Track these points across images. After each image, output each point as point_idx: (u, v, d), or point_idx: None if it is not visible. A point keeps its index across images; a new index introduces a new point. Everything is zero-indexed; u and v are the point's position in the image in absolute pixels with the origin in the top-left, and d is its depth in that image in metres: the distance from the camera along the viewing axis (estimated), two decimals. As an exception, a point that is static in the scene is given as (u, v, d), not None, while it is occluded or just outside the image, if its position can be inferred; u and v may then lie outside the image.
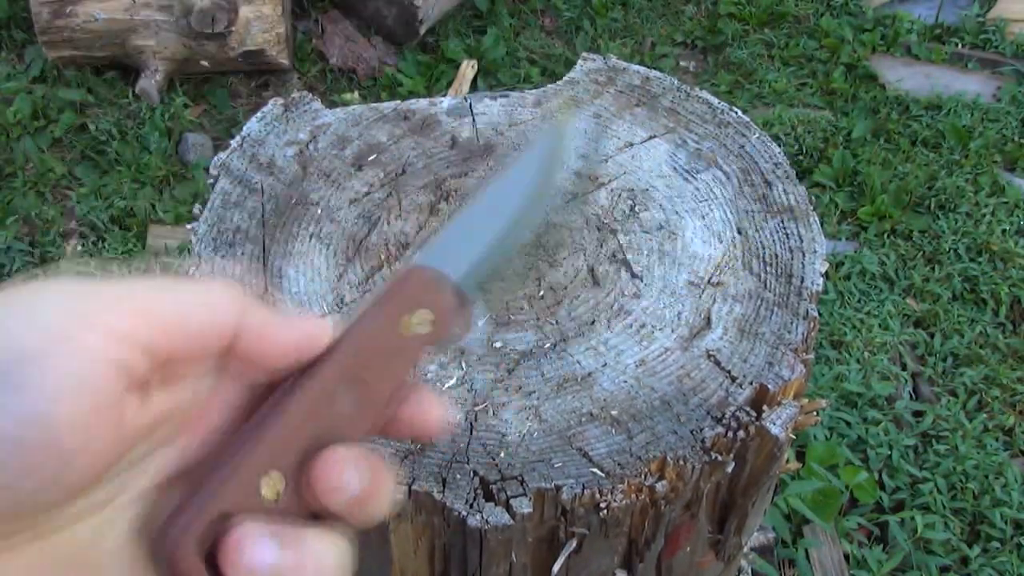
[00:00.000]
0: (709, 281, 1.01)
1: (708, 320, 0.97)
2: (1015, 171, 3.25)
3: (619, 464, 0.84)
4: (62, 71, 3.24)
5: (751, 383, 0.91)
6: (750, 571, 1.75)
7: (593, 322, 0.97)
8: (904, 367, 2.55)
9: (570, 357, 0.94)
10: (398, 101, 1.24)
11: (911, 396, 2.48)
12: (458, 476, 0.83)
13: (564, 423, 0.88)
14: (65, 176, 3.00)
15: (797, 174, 1.13)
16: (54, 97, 3.15)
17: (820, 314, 1.59)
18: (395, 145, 1.17)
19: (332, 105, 1.26)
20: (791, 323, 0.97)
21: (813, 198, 3.07)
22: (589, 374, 0.92)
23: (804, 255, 1.03)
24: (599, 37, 3.84)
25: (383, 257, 1.03)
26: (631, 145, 1.17)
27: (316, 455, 0.46)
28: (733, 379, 0.92)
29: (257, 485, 0.45)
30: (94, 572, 0.42)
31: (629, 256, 1.03)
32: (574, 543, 0.87)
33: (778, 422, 0.89)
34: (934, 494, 2.16)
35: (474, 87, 3.46)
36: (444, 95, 1.46)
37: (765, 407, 0.90)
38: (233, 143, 1.16)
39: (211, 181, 1.11)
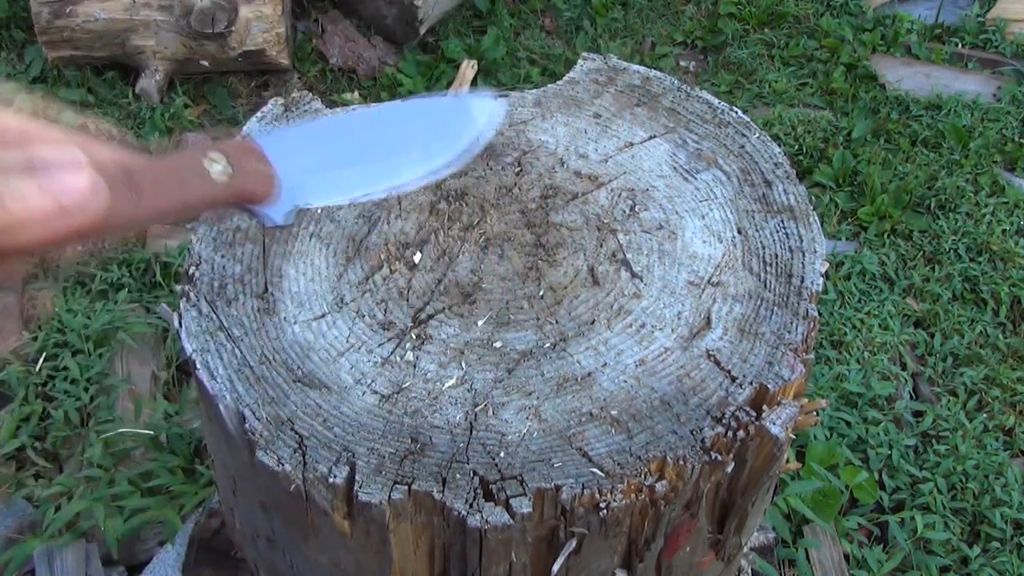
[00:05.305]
0: (709, 281, 1.01)
1: (708, 320, 0.97)
2: (1015, 171, 3.25)
3: (619, 464, 0.84)
4: (62, 71, 3.24)
5: (751, 383, 0.91)
6: (750, 571, 1.75)
7: (593, 322, 0.97)
8: (904, 367, 2.55)
9: (570, 357, 0.94)
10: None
11: (911, 396, 2.48)
12: (458, 476, 0.83)
13: (564, 423, 0.88)
14: (65, 176, 3.00)
15: (797, 174, 1.13)
16: (54, 97, 3.15)
17: (820, 314, 1.59)
18: (395, 145, 1.17)
19: (332, 105, 1.26)
20: (791, 323, 0.97)
21: (813, 198, 3.07)
22: (589, 374, 0.92)
23: (804, 255, 1.03)
24: (599, 37, 3.84)
25: (383, 257, 1.03)
26: (631, 145, 1.17)
27: None
28: (733, 379, 0.92)
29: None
30: None
31: (629, 256, 1.03)
32: (574, 543, 0.87)
33: (778, 422, 0.89)
34: (934, 494, 2.16)
35: (474, 87, 3.46)
36: (444, 95, 1.45)
37: (765, 407, 0.90)
38: (233, 143, 1.16)
39: (211, 181, 1.11)
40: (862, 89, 3.58)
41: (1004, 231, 2.96)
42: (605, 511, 0.83)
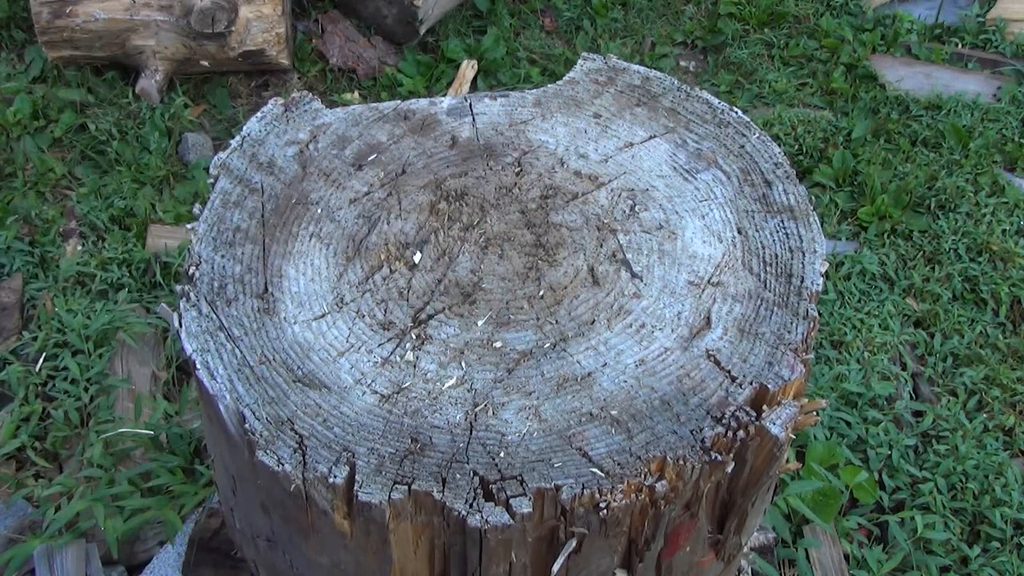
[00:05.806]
0: (709, 281, 1.01)
1: (708, 320, 0.97)
2: (1015, 171, 3.25)
3: (619, 464, 0.84)
4: (62, 71, 3.24)
5: (751, 383, 0.91)
6: (750, 571, 1.75)
7: (593, 322, 0.97)
8: (904, 367, 2.55)
9: (570, 357, 0.94)
10: (398, 101, 1.24)
11: (911, 396, 2.47)
12: (458, 476, 0.83)
13: (564, 423, 0.88)
14: (65, 176, 3.00)
15: (797, 174, 1.13)
16: (54, 97, 3.15)
17: (820, 314, 1.59)
18: (395, 145, 1.17)
19: (332, 105, 1.26)
20: (791, 323, 0.97)
21: (813, 198, 3.07)
22: (589, 374, 0.92)
23: (804, 255, 1.03)
24: (599, 37, 3.84)
25: (383, 257, 1.03)
26: (631, 145, 1.17)
27: None
28: (733, 379, 0.92)
29: None
30: None
31: (629, 256, 1.03)
32: (574, 543, 0.87)
33: (778, 422, 0.89)
34: (934, 494, 2.16)
35: (474, 87, 3.46)
36: (444, 95, 1.46)
37: (765, 407, 0.90)
38: (233, 143, 1.16)
39: (211, 181, 1.11)
40: (862, 89, 3.58)
41: (1004, 231, 2.96)
42: (605, 511, 0.83)
